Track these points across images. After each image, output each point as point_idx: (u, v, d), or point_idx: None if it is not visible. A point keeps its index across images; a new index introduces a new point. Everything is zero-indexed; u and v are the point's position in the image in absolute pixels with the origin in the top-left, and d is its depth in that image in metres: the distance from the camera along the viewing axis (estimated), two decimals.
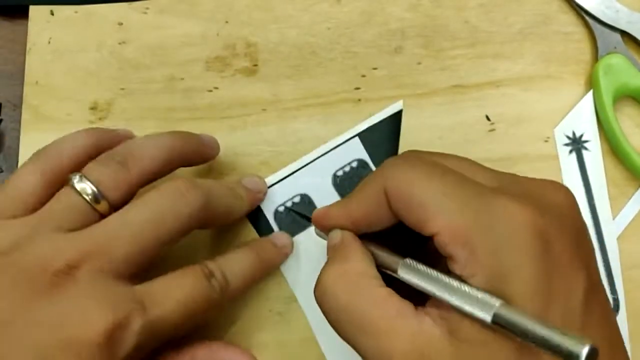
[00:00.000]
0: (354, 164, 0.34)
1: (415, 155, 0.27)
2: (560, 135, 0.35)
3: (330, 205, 0.28)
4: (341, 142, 0.35)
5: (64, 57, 0.37)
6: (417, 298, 0.24)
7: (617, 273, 0.33)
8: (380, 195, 0.25)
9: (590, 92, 0.36)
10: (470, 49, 0.37)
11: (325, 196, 0.34)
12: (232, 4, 0.38)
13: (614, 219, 0.34)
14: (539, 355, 0.22)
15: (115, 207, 0.28)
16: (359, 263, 0.25)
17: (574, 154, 0.35)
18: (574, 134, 0.35)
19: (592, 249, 0.25)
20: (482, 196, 0.23)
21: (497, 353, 0.22)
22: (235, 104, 0.36)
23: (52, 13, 0.38)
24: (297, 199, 0.34)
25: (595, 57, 0.36)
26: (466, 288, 0.22)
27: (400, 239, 0.26)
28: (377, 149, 0.34)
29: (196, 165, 0.33)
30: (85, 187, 0.27)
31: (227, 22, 0.37)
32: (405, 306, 0.23)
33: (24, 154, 0.36)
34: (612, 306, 0.33)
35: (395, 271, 0.25)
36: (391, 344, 0.23)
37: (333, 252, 0.27)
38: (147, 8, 0.38)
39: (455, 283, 0.22)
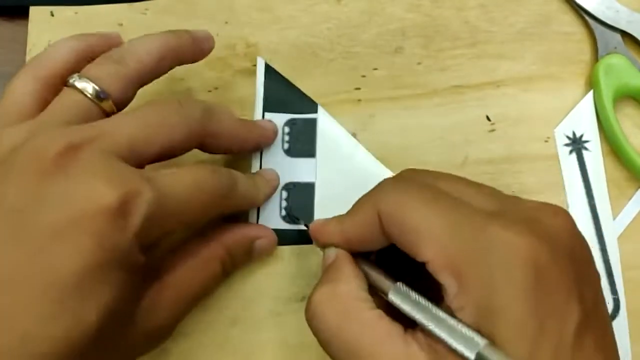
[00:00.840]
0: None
1: (410, 177, 0.27)
2: (561, 135, 0.35)
3: (327, 221, 0.28)
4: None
5: None
6: (409, 322, 0.24)
7: (618, 273, 0.33)
8: (374, 218, 0.25)
9: (591, 93, 0.36)
10: (471, 49, 0.37)
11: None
12: (232, 5, 0.38)
13: (614, 219, 0.34)
14: None
15: (118, 107, 0.28)
16: (349, 285, 0.25)
17: (574, 154, 0.35)
18: (574, 134, 0.35)
19: (593, 273, 0.24)
20: (476, 223, 0.23)
21: None
22: (235, 104, 0.36)
23: (52, 14, 0.38)
24: None
25: (596, 57, 0.36)
26: (453, 322, 0.22)
27: (397, 258, 0.26)
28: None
29: (193, 62, 0.32)
30: (86, 85, 0.27)
31: (227, 22, 0.37)
32: (394, 330, 0.23)
33: None
34: (611, 311, 0.33)
35: (386, 294, 0.25)
36: None
37: (326, 272, 0.27)
38: (147, 9, 0.38)
39: (443, 315, 0.22)
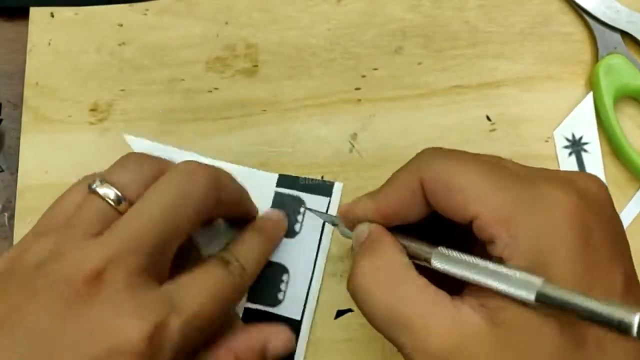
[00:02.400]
0: None
1: (447, 149, 0.27)
2: (560, 137, 0.35)
3: (358, 199, 0.28)
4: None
5: (64, 58, 0.37)
6: (450, 290, 0.24)
7: None
8: (415, 185, 0.25)
9: (590, 94, 0.36)
10: (471, 49, 0.37)
11: None
12: (231, 5, 0.38)
13: None
14: (582, 333, 0.21)
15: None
16: (392, 255, 0.25)
17: (573, 156, 0.35)
18: (573, 136, 0.35)
19: (627, 243, 0.25)
20: (521, 181, 0.23)
21: (540, 335, 0.21)
22: (235, 104, 0.36)
23: (52, 15, 0.38)
24: None
25: (596, 58, 0.36)
26: (505, 270, 0.22)
27: (426, 233, 0.26)
28: None
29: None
30: (107, 191, 0.26)
31: (227, 23, 0.37)
32: (442, 296, 0.23)
33: (24, 155, 0.36)
34: None
35: (428, 261, 0.24)
36: (430, 335, 0.22)
37: (363, 247, 0.26)
38: (147, 9, 0.38)
39: (493, 266, 0.22)
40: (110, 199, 0.26)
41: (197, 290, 0.26)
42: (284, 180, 0.34)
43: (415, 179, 0.25)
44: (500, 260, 0.22)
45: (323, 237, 0.33)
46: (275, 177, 0.34)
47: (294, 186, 0.34)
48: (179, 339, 0.24)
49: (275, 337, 0.29)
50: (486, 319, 0.22)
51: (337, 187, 0.34)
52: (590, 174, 0.25)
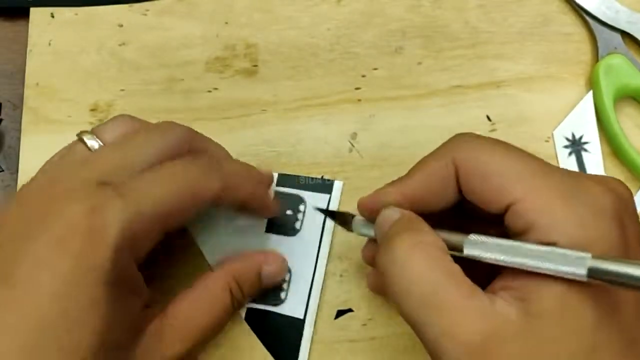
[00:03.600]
0: None
1: (480, 135, 0.26)
2: (560, 137, 0.35)
3: (381, 188, 0.27)
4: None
5: (64, 58, 0.37)
6: (479, 283, 0.23)
7: None
8: (448, 169, 0.24)
9: (590, 94, 0.36)
10: (471, 49, 0.37)
11: None
12: (231, 5, 0.38)
13: None
14: (616, 300, 0.22)
15: None
16: (431, 235, 0.24)
17: (573, 156, 0.35)
18: (573, 135, 0.35)
19: None
20: (562, 171, 0.23)
21: (578, 318, 0.21)
22: (235, 104, 0.36)
23: (52, 15, 0.38)
24: None
25: (596, 58, 0.36)
26: (550, 249, 0.21)
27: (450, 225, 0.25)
28: None
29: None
30: (93, 143, 0.28)
31: (226, 23, 0.37)
32: (476, 287, 0.22)
33: (24, 155, 0.36)
34: None
35: (459, 249, 0.23)
36: (460, 321, 0.21)
37: (398, 224, 0.25)
38: (147, 10, 0.38)
39: (536, 247, 0.21)
40: (93, 147, 0.28)
41: (154, 183, 0.26)
42: (284, 180, 0.34)
43: (448, 163, 0.24)
44: (540, 243, 0.22)
45: (324, 235, 0.33)
46: (274, 176, 0.34)
47: (294, 185, 0.34)
48: (125, 221, 0.24)
49: (269, 261, 0.31)
50: (521, 311, 0.21)
51: (337, 186, 0.34)
52: (617, 179, 0.25)
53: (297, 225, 0.33)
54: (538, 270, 0.21)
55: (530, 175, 0.23)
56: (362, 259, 0.30)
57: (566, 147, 0.35)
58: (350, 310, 0.33)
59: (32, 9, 0.38)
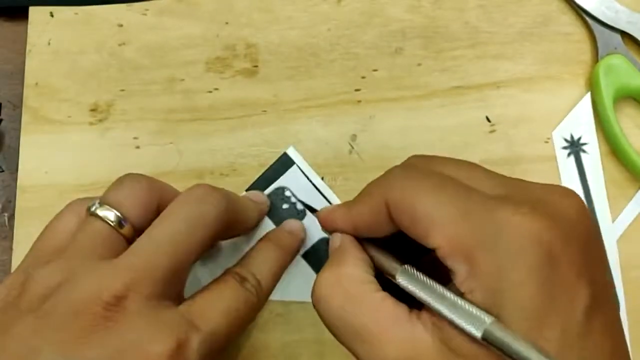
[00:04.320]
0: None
1: (417, 165, 0.27)
2: (558, 138, 0.35)
3: (335, 207, 0.28)
4: None
5: (63, 58, 0.37)
6: (415, 301, 0.24)
7: (617, 275, 0.33)
8: (381, 206, 0.25)
9: (588, 95, 0.36)
10: (471, 50, 0.37)
11: None
12: (232, 5, 0.38)
13: (614, 219, 0.34)
14: None
15: (138, 230, 0.27)
16: (354, 268, 0.25)
17: (572, 157, 0.35)
18: (572, 136, 0.35)
19: (603, 255, 0.25)
20: (485, 207, 0.23)
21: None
22: (235, 105, 0.36)
23: (51, 15, 0.38)
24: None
25: (596, 58, 0.36)
26: (460, 302, 0.22)
27: (404, 243, 0.26)
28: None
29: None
30: (107, 213, 0.26)
31: (227, 23, 0.37)
32: (399, 311, 0.23)
33: (24, 155, 0.36)
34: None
35: (393, 277, 0.25)
36: (383, 351, 0.23)
37: (331, 256, 0.27)
38: (147, 9, 0.38)
39: (450, 295, 0.22)
40: (110, 220, 0.26)
41: (215, 308, 0.26)
42: (256, 187, 0.35)
43: (381, 199, 0.25)
44: (459, 291, 0.22)
45: (321, 190, 0.34)
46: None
47: (267, 183, 0.35)
48: (199, 356, 0.24)
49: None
50: (437, 341, 0.22)
51: (292, 151, 0.35)
52: (566, 188, 0.24)
53: (299, 207, 0.34)
54: (446, 318, 0.22)
55: (451, 221, 0.23)
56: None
57: (565, 148, 0.35)
58: None
59: (31, 9, 0.38)
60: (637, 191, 0.35)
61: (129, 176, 0.28)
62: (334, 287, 0.25)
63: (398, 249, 0.27)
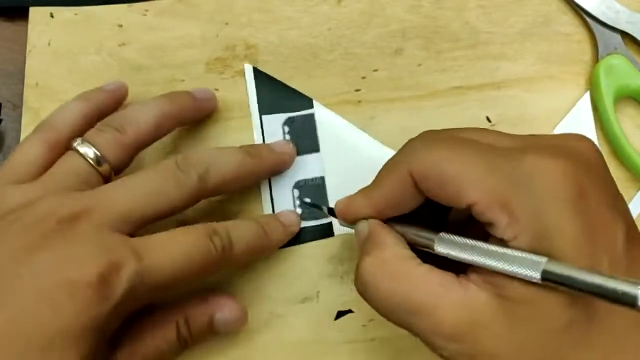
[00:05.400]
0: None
1: (433, 135, 0.27)
2: None
3: (352, 196, 0.28)
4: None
5: (64, 59, 0.37)
6: (455, 269, 0.24)
7: None
8: (406, 179, 0.25)
9: (586, 96, 0.36)
10: (471, 50, 0.37)
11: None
12: (231, 6, 0.38)
13: None
14: (588, 306, 0.22)
15: (116, 171, 0.30)
16: (392, 248, 0.26)
17: None
18: None
19: (623, 197, 0.25)
20: (510, 158, 0.23)
21: (548, 308, 0.22)
22: (235, 105, 0.36)
23: (52, 15, 0.38)
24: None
25: (596, 58, 0.36)
26: (509, 251, 0.22)
27: (421, 219, 0.27)
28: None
29: (196, 121, 0.35)
30: (87, 150, 0.29)
31: (226, 23, 0.37)
32: (447, 278, 0.24)
33: None
34: None
35: (431, 247, 0.25)
36: (441, 318, 0.23)
37: (364, 244, 0.27)
38: (147, 10, 0.38)
39: (496, 248, 0.23)
40: (90, 158, 0.29)
41: (168, 247, 0.27)
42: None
43: (404, 173, 0.25)
44: (502, 242, 0.23)
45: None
46: None
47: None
48: (131, 283, 0.25)
49: (226, 308, 0.30)
50: (492, 295, 0.23)
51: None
52: (579, 134, 0.26)
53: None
54: (498, 270, 0.22)
55: (481, 175, 0.23)
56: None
57: None
58: (350, 311, 0.33)
59: (31, 9, 0.38)
60: (637, 191, 0.35)
61: (111, 122, 0.31)
62: (378, 271, 0.25)
63: (417, 221, 0.27)
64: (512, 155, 0.23)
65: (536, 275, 0.21)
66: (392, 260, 0.25)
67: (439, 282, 0.24)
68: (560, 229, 0.22)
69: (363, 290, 0.25)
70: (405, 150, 0.27)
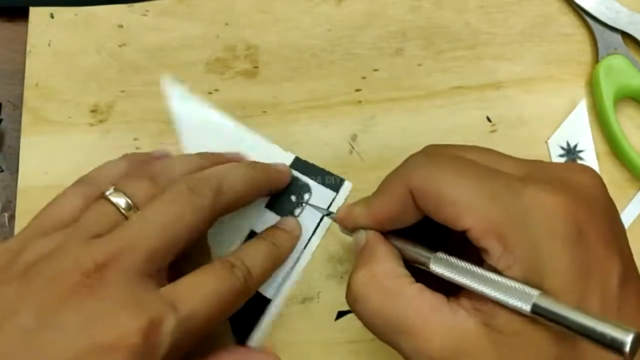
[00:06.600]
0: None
1: (437, 152, 0.27)
2: (554, 146, 0.35)
3: (353, 205, 0.28)
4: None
5: (64, 59, 0.37)
6: (448, 288, 0.24)
7: None
8: (406, 195, 0.25)
9: (583, 101, 0.36)
10: (471, 50, 0.37)
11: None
12: (232, 6, 0.38)
13: None
14: (577, 344, 0.22)
15: None
16: (386, 263, 0.26)
17: None
18: (568, 144, 0.35)
19: (623, 230, 0.25)
20: (511, 187, 0.23)
21: (535, 342, 0.22)
22: (235, 106, 0.36)
23: (52, 16, 0.38)
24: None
25: (596, 58, 0.36)
26: (502, 279, 0.22)
27: (421, 231, 0.26)
28: None
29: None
30: (119, 200, 0.27)
31: (227, 24, 0.37)
32: (438, 300, 0.24)
33: (25, 156, 0.36)
34: None
35: (426, 265, 0.25)
36: (428, 341, 0.23)
37: (360, 255, 0.27)
38: (147, 10, 0.38)
39: (491, 275, 0.22)
40: (121, 207, 0.27)
41: (197, 290, 0.26)
42: (298, 164, 0.35)
43: (404, 189, 0.25)
44: (495, 270, 0.23)
45: (318, 230, 0.34)
46: (291, 157, 0.35)
47: (307, 172, 0.35)
48: (174, 337, 0.24)
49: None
50: (480, 323, 0.22)
51: (346, 186, 0.34)
52: (583, 165, 0.26)
53: (297, 212, 0.34)
54: (490, 297, 0.22)
55: (480, 202, 0.23)
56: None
57: (561, 155, 0.35)
58: (350, 311, 0.33)
59: (31, 9, 0.38)
60: (637, 191, 0.35)
61: (145, 172, 0.29)
62: (370, 285, 0.25)
63: (417, 235, 0.27)
64: (513, 184, 0.23)
65: (526, 307, 0.21)
66: (385, 276, 0.25)
67: (429, 304, 0.23)
68: (553, 265, 0.22)
69: (353, 302, 0.25)
70: (407, 165, 0.26)
